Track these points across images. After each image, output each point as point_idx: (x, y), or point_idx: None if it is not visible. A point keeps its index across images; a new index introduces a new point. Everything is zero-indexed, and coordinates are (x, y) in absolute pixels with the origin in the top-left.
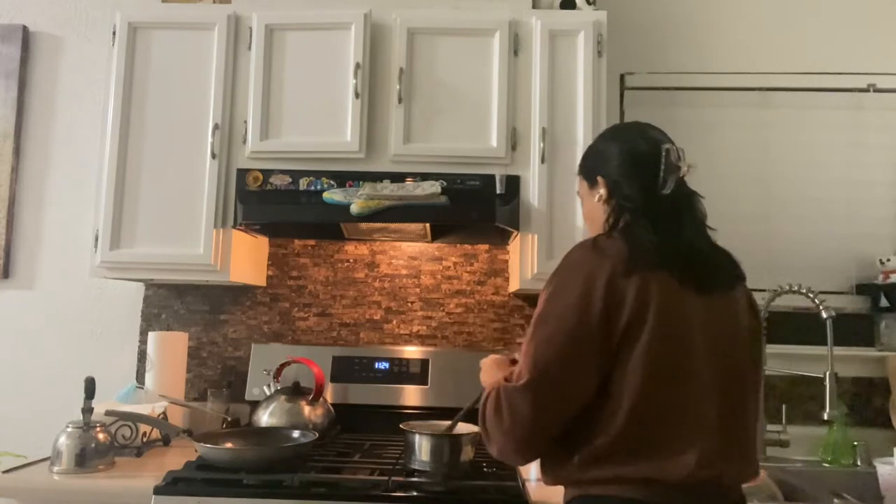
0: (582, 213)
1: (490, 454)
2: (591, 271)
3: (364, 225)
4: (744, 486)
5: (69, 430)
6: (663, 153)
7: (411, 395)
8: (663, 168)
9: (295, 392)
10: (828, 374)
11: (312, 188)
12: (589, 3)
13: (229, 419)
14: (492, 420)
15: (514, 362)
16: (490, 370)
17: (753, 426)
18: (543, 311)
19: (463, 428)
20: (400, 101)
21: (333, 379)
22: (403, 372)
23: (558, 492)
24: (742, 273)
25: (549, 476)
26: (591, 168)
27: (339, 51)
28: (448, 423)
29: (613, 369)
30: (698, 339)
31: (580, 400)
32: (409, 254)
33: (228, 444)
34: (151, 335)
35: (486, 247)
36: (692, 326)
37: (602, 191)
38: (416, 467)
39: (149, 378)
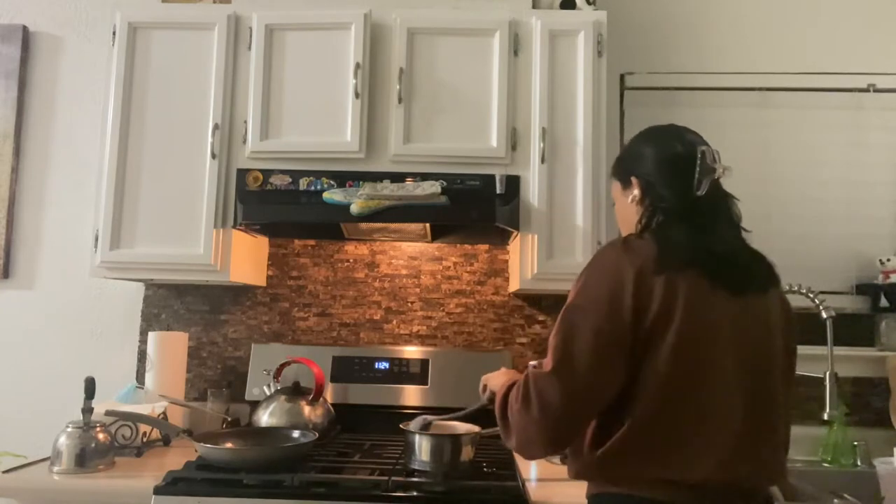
0: (616, 214)
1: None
2: (621, 268)
3: (364, 225)
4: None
5: (69, 430)
6: (699, 155)
7: (411, 395)
8: (698, 170)
9: (295, 392)
10: (828, 374)
11: (312, 188)
12: (589, 3)
13: (229, 419)
14: (518, 408)
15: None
16: (500, 376)
17: (783, 431)
18: (572, 304)
19: (463, 428)
20: (400, 101)
21: (333, 379)
22: (403, 372)
23: (559, 492)
24: (777, 276)
25: (571, 470)
26: (625, 169)
27: (339, 51)
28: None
29: (638, 367)
30: (727, 340)
31: (606, 394)
32: (409, 254)
33: (228, 444)
34: (151, 335)
35: (486, 247)
36: (720, 327)
37: (636, 191)
38: (416, 467)
39: (149, 378)
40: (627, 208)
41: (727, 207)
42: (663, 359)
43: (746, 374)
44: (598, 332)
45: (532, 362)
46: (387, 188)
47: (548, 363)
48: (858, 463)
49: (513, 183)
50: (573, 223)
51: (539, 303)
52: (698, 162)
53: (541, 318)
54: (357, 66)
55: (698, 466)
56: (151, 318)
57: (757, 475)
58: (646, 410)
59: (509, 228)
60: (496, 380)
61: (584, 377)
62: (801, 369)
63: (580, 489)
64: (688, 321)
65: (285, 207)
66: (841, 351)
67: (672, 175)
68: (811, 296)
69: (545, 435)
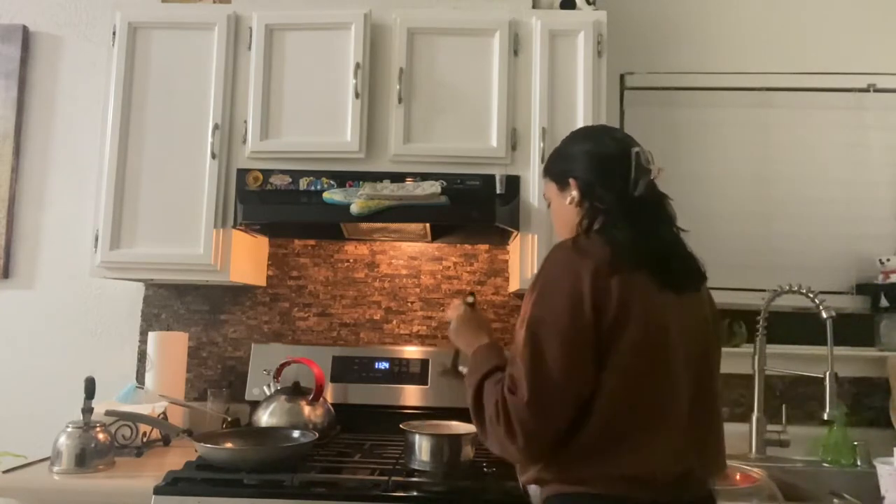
0: (551, 216)
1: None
2: (576, 270)
3: (364, 225)
4: (743, 486)
5: (69, 430)
6: (633, 156)
7: (411, 395)
8: (634, 170)
9: (295, 392)
10: (828, 374)
11: (312, 188)
12: (589, 3)
13: (229, 419)
14: (502, 434)
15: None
16: (464, 333)
17: (721, 423)
18: (533, 317)
19: (463, 428)
20: (400, 101)
21: (333, 379)
22: (403, 372)
23: None
24: (705, 274)
25: (527, 477)
26: (561, 170)
27: (339, 51)
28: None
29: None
30: (676, 338)
31: (582, 399)
32: (409, 254)
33: (228, 444)
34: (151, 335)
35: (486, 247)
36: (670, 326)
37: (574, 192)
38: (416, 467)
39: (149, 378)
40: (565, 209)
41: (664, 207)
42: (621, 358)
43: (691, 370)
44: (565, 342)
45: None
46: (387, 188)
47: (521, 383)
48: (858, 463)
49: (513, 183)
50: None
51: None
52: (633, 162)
53: None
54: (357, 66)
55: (655, 461)
56: (151, 318)
57: (704, 466)
58: (607, 410)
59: (509, 228)
60: (461, 337)
61: (561, 395)
62: (802, 369)
63: None
64: (644, 322)
65: (285, 207)
66: (841, 351)
67: (610, 176)
68: (811, 296)
69: (529, 455)
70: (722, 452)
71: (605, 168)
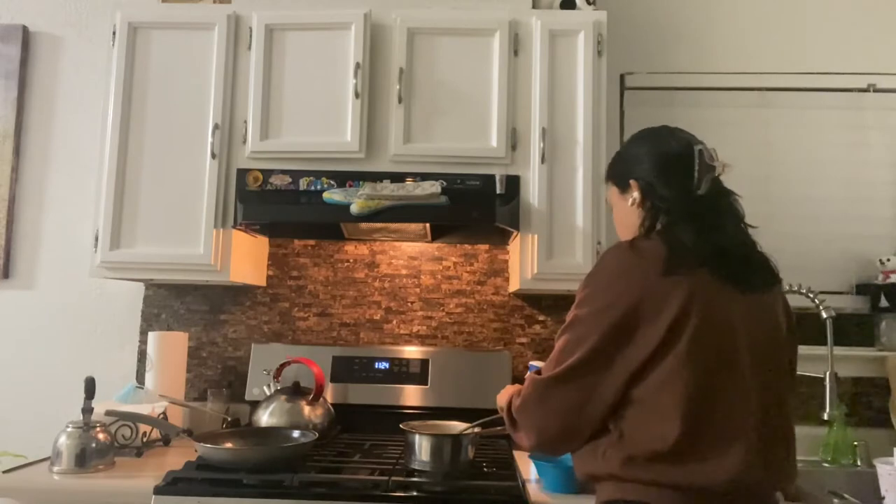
0: (614, 221)
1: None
2: (629, 272)
3: (364, 225)
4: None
5: (69, 430)
6: (696, 153)
7: (411, 395)
8: (697, 168)
9: (295, 392)
10: (828, 374)
11: (312, 188)
12: (589, 3)
13: (229, 419)
14: (525, 409)
15: None
16: (504, 395)
17: (792, 429)
18: (578, 311)
19: (463, 428)
20: (400, 101)
21: (333, 379)
22: (403, 372)
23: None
24: (778, 275)
25: (581, 471)
26: (621, 172)
27: (339, 51)
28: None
29: (653, 370)
30: (741, 338)
31: (607, 399)
32: (409, 254)
33: (228, 444)
34: (151, 335)
35: (486, 247)
36: (735, 326)
37: (636, 194)
38: (416, 467)
39: (149, 378)
40: (627, 212)
41: (730, 204)
42: (683, 359)
43: (759, 374)
44: (603, 341)
45: (532, 363)
46: (387, 188)
47: (550, 366)
48: (858, 463)
49: (513, 183)
50: (573, 223)
51: (539, 303)
52: (696, 160)
53: (541, 318)
54: (357, 65)
55: (719, 470)
56: (151, 318)
57: (770, 479)
58: (670, 413)
59: (509, 228)
60: (501, 399)
61: (583, 386)
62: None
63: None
64: (706, 322)
65: (285, 207)
66: (841, 351)
67: (672, 174)
68: (811, 296)
69: (553, 436)
70: (792, 463)
71: (667, 167)
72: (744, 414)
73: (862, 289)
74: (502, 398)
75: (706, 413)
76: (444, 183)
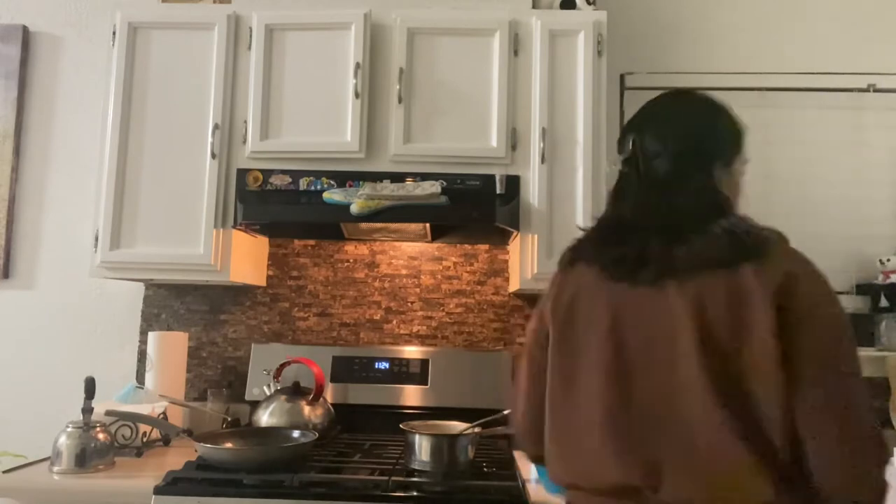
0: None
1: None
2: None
3: (364, 225)
4: None
5: (69, 430)
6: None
7: (411, 395)
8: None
9: (295, 392)
10: None
11: (312, 188)
12: (589, 3)
13: (229, 419)
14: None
15: None
16: None
17: (711, 434)
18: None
19: (463, 428)
20: (400, 101)
21: (333, 379)
22: (403, 372)
23: None
24: (724, 254)
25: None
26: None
27: (339, 51)
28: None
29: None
30: (628, 334)
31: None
32: (409, 254)
33: (228, 444)
34: (151, 335)
35: (486, 247)
36: (606, 319)
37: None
38: (416, 467)
39: (149, 378)
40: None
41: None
42: (551, 355)
43: (652, 372)
44: (533, 370)
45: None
46: (387, 188)
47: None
48: None
49: (513, 183)
50: (573, 223)
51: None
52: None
53: None
54: (357, 65)
55: (581, 468)
56: (151, 318)
57: (673, 487)
58: (547, 415)
59: (509, 228)
60: None
61: (523, 401)
62: None
63: None
64: (567, 316)
65: (285, 207)
66: None
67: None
68: None
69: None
70: (716, 473)
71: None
72: (590, 411)
73: (862, 289)
74: None
75: (562, 415)
76: (444, 183)
